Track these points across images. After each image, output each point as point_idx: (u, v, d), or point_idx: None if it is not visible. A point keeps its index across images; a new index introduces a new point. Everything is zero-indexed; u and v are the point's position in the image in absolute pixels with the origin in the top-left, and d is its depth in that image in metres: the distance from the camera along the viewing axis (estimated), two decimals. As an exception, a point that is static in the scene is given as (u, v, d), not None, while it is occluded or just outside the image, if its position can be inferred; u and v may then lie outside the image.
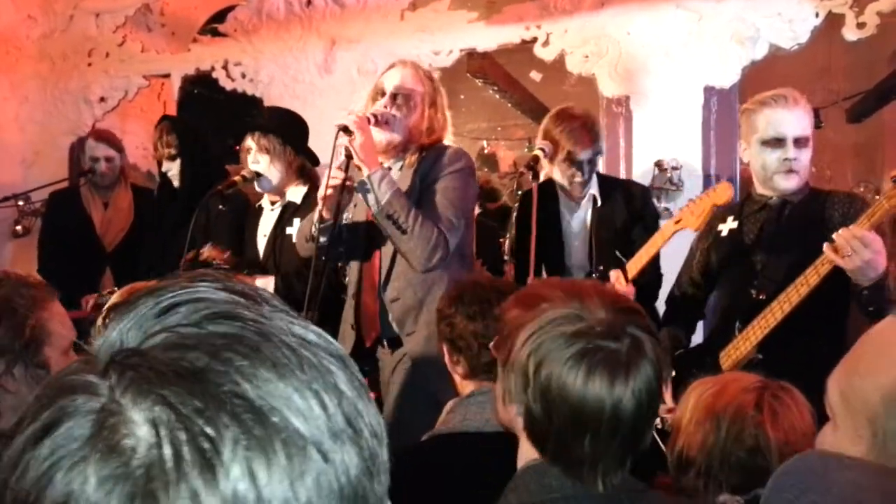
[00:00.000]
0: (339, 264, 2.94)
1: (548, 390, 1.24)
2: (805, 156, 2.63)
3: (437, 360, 2.63)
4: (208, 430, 0.50)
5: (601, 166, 3.84)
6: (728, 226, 2.78)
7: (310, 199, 3.28)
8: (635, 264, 2.82)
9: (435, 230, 2.62)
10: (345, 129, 2.57)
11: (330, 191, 2.63)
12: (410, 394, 2.66)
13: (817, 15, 3.79)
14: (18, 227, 5.15)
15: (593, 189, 3.27)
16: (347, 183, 2.65)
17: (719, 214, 2.84)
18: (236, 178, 3.28)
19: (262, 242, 3.38)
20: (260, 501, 0.50)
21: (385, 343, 2.80)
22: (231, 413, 0.51)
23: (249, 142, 3.29)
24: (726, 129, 4.01)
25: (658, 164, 3.93)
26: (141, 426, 0.50)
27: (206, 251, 3.18)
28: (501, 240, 3.55)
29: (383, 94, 2.79)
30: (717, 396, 1.57)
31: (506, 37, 4.38)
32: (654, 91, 4.07)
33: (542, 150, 3.13)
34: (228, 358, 0.53)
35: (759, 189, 2.74)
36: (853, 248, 2.24)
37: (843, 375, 1.14)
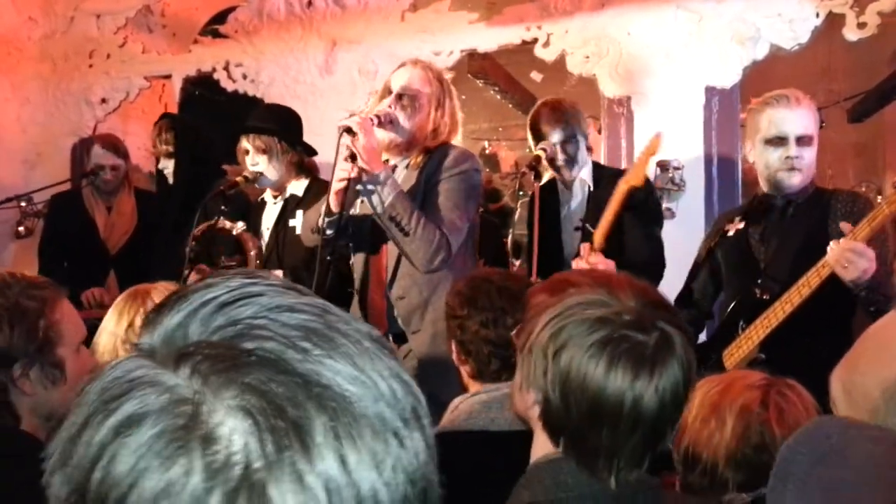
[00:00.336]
0: (350, 260, 2.93)
1: (567, 377, 1.18)
2: (808, 154, 2.64)
3: (442, 360, 2.63)
4: (300, 415, 0.50)
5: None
6: (735, 226, 2.80)
7: (311, 191, 3.29)
8: (599, 234, 2.86)
9: (437, 232, 2.61)
10: (348, 131, 2.57)
11: (343, 184, 2.62)
12: None
13: (818, 15, 3.79)
14: (21, 228, 5.15)
15: (584, 174, 3.28)
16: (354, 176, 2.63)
17: (728, 214, 2.89)
18: (238, 178, 3.28)
19: (266, 237, 3.39)
20: (350, 485, 0.51)
21: (390, 338, 2.80)
22: (317, 400, 0.51)
23: (245, 143, 3.29)
24: (727, 130, 4.01)
25: (660, 164, 3.93)
26: (234, 414, 0.50)
27: (221, 222, 3.18)
28: (504, 239, 3.55)
29: (391, 92, 2.78)
30: (723, 394, 1.57)
31: (506, 37, 4.38)
32: (655, 91, 4.07)
33: (544, 150, 3.14)
34: (305, 348, 0.54)
35: (765, 189, 2.76)
36: (848, 260, 2.29)
37: (846, 371, 1.14)
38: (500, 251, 3.75)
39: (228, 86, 4.97)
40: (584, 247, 2.85)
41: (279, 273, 3.15)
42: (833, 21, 3.81)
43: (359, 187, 2.63)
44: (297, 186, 3.34)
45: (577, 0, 4.19)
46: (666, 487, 1.53)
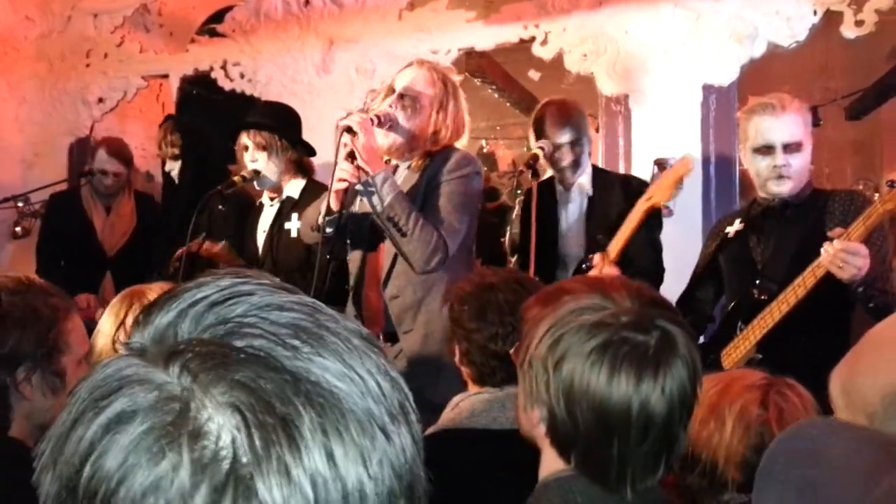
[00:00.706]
0: (347, 257, 2.92)
1: (570, 389, 1.14)
2: (797, 160, 2.64)
3: (432, 361, 2.63)
4: (288, 411, 0.51)
5: (601, 165, 3.84)
6: (735, 227, 2.82)
7: (307, 192, 3.27)
8: (615, 246, 2.86)
9: (435, 234, 2.61)
10: (348, 130, 2.56)
11: (344, 184, 2.61)
12: None
13: (815, 13, 3.78)
14: (18, 229, 5.14)
15: (584, 178, 3.27)
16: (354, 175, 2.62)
17: (728, 217, 2.91)
18: (236, 178, 3.28)
19: (261, 239, 3.38)
20: (337, 479, 0.51)
21: (381, 336, 2.80)
22: (305, 396, 0.52)
23: (245, 140, 3.29)
24: (725, 127, 4.01)
25: (658, 163, 3.93)
26: (222, 410, 0.51)
27: (204, 246, 3.18)
28: (502, 239, 3.54)
29: (394, 92, 2.77)
30: (722, 394, 1.56)
31: (504, 36, 4.37)
32: (653, 89, 4.07)
33: (542, 148, 3.13)
34: (294, 345, 0.55)
35: (760, 193, 2.78)
36: (843, 261, 2.29)
37: (845, 372, 1.12)
38: (498, 250, 3.74)
39: (226, 85, 4.96)
40: (600, 257, 2.85)
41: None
42: (831, 19, 3.81)
43: (358, 187, 2.62)
44: (294, 188, 3.33)
45: (575, -2, 4.20)
46: (665, 488, 1.53)
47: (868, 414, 1.05)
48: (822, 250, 2.36)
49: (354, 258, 2.86)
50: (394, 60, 4.12)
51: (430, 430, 1.87)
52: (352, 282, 2.85)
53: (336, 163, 2.60)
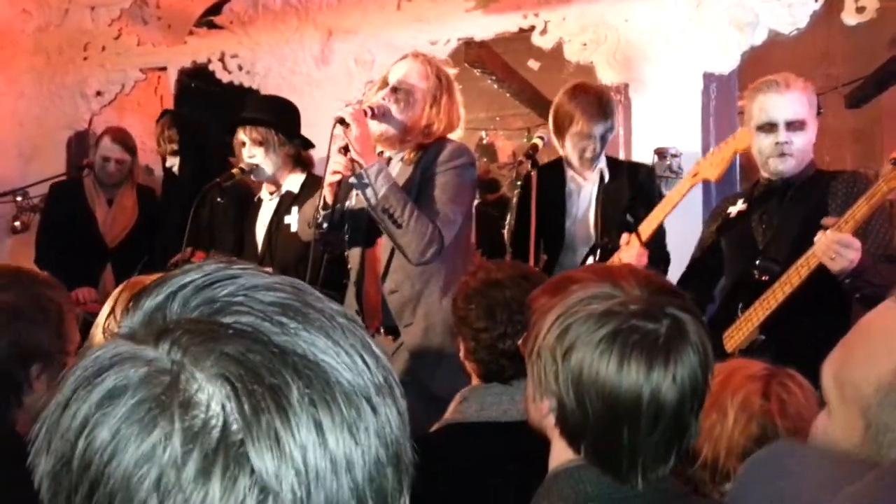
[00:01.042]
0: (345, 253, 2.92)
1: (580, 378, 1.12)
2: (800, 139, 2.64)
3: (433, 353, 2.64)
4: (277, 381, 0.53)
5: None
6: (737, 207, 2.81)
7: (307, 187, 3.27)
8: (648, 225, 2.79)
9: (430, 225, 2.60)
10: (341, 121, 2.56)
11: (338, 176, 2.60)
12: (404, 385, 2.64)
13: (816, 0, 3.77)
14: (17, 223, 5.13)
15: (602, 164, 3.26)
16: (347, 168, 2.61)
17: (731, 197, 2.90)
18: (234, 171, 3.27)
19: (260, 234, 3.37)
20: (325, 450, 0.53)
21: (382, 331, 2.80)
22: (293, 367, 0.54)
23: (241, 135, 3.28)
24: (725, 116, 4.00)
25: (658, 152, 3.92)
26: (212, 381, 0.53)
27: (197, 255, 3.21)
28: (503, 231, 3.53)
29: (388, 84, 2.76)
30: (724, 385, 1.55)
31: (503, 25, 4.36)
32: (653, 78, 4.05)
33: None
34: (281, 321, 0.57)
35: (763, 174, 2.77)
36: (836, 252, 2.29)
37: (838, 362, 1.10)
38: (499, 241, 3.73)
39: (224, 77, 4.95)
40: (628, 237, 2.78)
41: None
42: (832, 6, 3.79)
43: (352, 179, 2.61)
44: (293, 182, 3.33)
45: (574, -13, 4.17)
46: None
47: (862, 407, 1.04)
48: (815, 238, 2.35)
49: (354, 254, 2.85)
50: (393, 51, 4.10)
51: (439, 423, 1.86)
52: (353, 277, 2.85)
53: (329, 155, 2.60)
